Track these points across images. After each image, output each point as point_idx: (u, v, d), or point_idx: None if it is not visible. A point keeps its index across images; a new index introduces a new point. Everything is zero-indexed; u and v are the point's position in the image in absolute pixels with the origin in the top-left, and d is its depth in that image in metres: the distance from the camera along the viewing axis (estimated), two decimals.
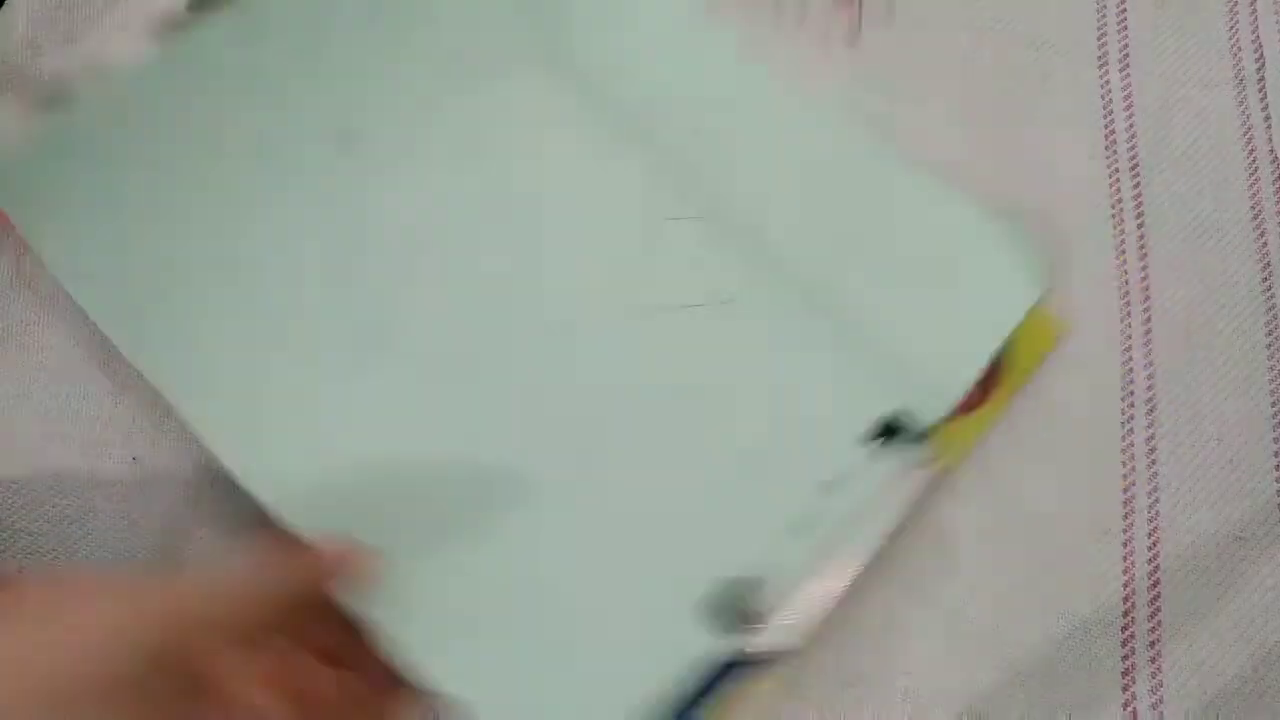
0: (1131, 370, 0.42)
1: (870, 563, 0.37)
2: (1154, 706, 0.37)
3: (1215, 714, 0.37)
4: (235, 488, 0.36)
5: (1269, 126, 0.45)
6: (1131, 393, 0.41)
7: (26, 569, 0.37)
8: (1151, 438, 0.41)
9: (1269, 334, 0.42)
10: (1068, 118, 0.45)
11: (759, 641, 0.36)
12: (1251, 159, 0.45)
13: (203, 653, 0.28)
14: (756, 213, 0.42)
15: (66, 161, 0.40)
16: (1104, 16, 0.47)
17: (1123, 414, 0.41)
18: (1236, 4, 0.47)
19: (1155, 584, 0.39)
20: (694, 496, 0.38)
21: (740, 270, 0.41)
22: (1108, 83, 0.46)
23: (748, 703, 0.35)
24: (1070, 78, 0.46)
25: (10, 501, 0.38)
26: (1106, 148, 0.45)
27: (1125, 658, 0.38)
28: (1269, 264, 0.43)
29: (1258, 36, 0.47)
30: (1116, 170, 0.45)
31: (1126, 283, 0.43)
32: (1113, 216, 0.44)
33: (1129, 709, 0.37)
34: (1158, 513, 0.40)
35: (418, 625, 0.34)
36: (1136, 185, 0.44)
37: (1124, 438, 0.41)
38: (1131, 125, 0.45)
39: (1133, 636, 0.38)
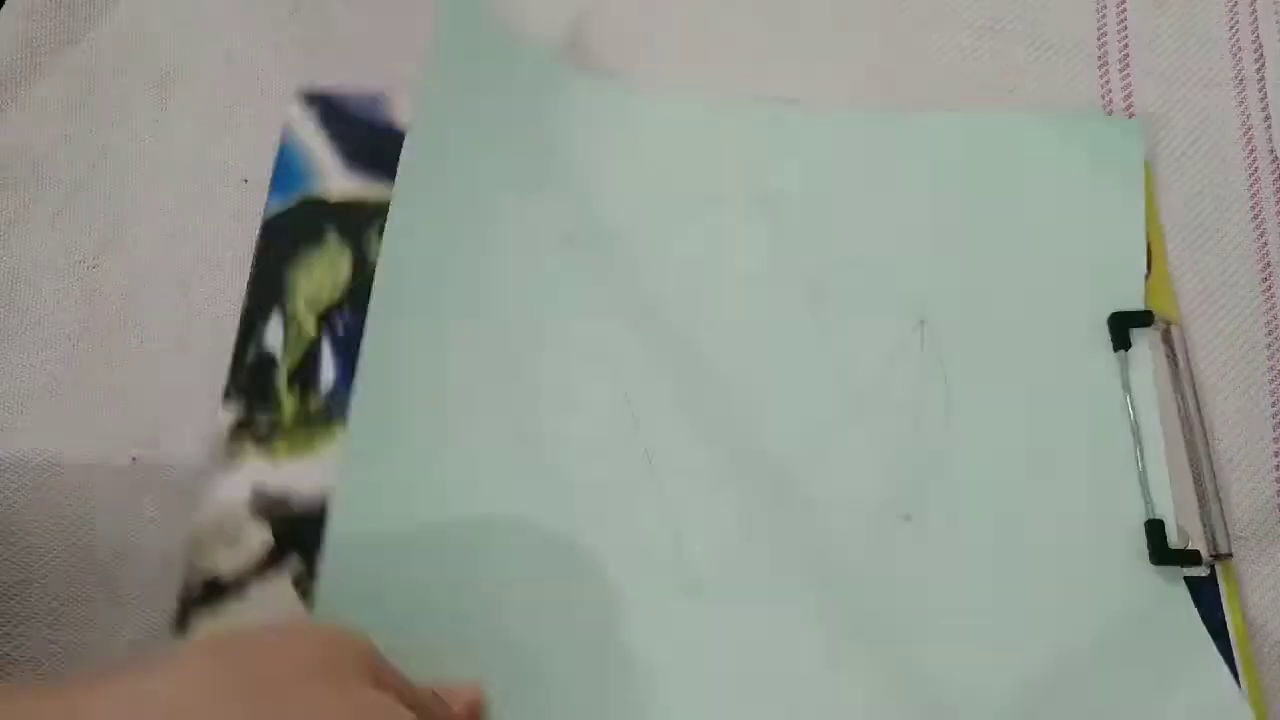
0: None
1: None
2: None
3: None
4: None
5: (1269, 126, 0.45)
6: None
7: None
8: None
9: (1269, 334, 0.42)
10: None
11: None
12: (1251, 159, 0.45)
13: None
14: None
15: None
16: (1104, 16, 0.47)
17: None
18: (1236, 4, 0.47)
19: None
20: None
21: None
22: (1108, 83, 0.46)
23: None
24: (1070, 78, 0.46)
25: None
26: None
27: None
28: (1269, 264, 0.43)
29: (1258, 36, 0.47)
30: None
31: None
32: None
33: None
34: None
35: None
36: None
37: None
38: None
39: None
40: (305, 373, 0.40)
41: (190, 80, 0.45)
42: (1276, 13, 0.47)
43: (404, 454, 0.39)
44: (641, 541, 0.38)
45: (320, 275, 0.41)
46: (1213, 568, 0.39)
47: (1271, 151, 0.45)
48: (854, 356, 0.41)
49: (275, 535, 0.38)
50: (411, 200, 0.42)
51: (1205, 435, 0.40)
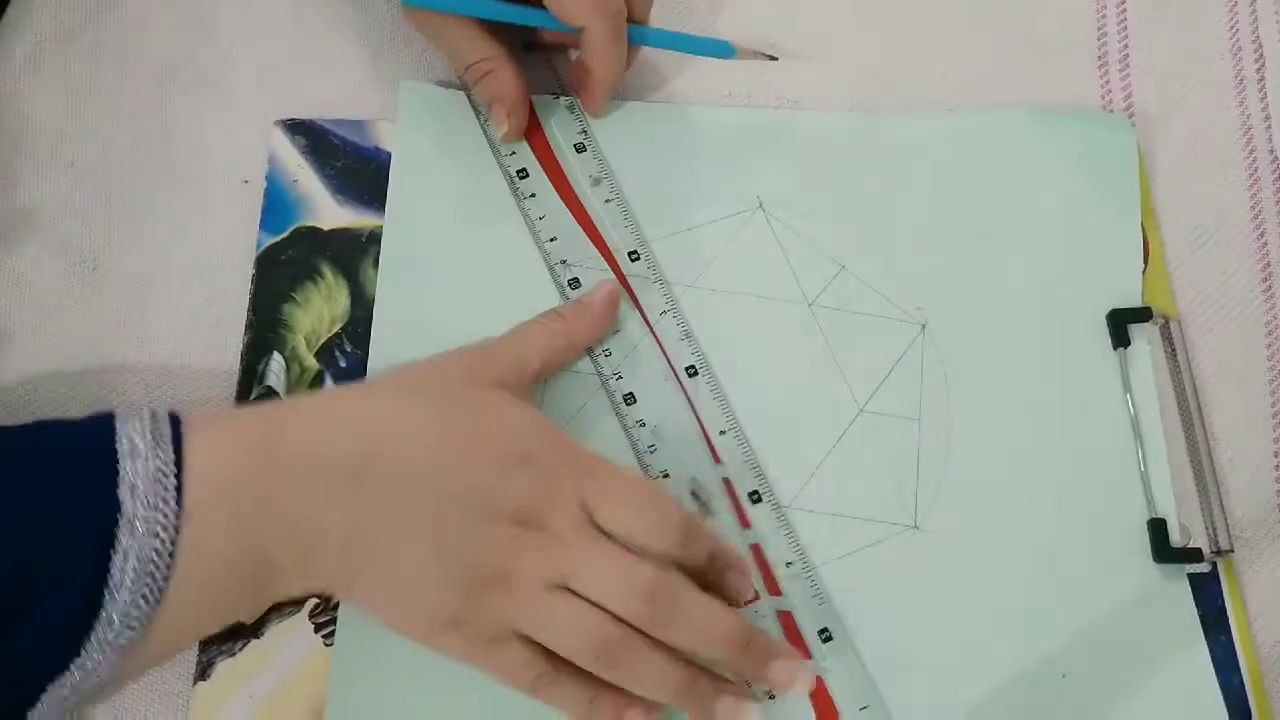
0: None
1: None
2: None
3: None
4: None
5: (1269, 127, 0.45)
6: None
7: None
8: None
9: (1269, 334, 0.42)
10: None
11: None
12: (1251, 159, 0.45)
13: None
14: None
15: None
16: (1104, 16, 0.47)
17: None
18: (1236, 4, 0.47)
19: None
20: None
21: None
22: (1108, 83, 0.46)
23: None
24: (1070, 77, 0.46)
25: None
26: None
27: None
28: (1269, 264, 0.43)
29: (1258, 36, 0.47)
30: None
31: None
32: None
33: None
34: None
35: None
36: None
37: None
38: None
39: None
40: None
41: (190, 80, 0.45)
42: (1276, 13, 0.47)
43: None
44: None
45: (319, 307, 0.41)
46: (1214, 564, 0.39)
47: (1271, 151, 0.45)
48: (854, 357, 0.41)
49: None
50: (403, 231, 0.42)
51: (1205, 431, 0.40)
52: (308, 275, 0.42)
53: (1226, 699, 0.37)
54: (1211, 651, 0.38)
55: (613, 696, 0.34)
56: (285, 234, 0.42)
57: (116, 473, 0.31)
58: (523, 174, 0.43)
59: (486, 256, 0.42)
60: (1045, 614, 0.38)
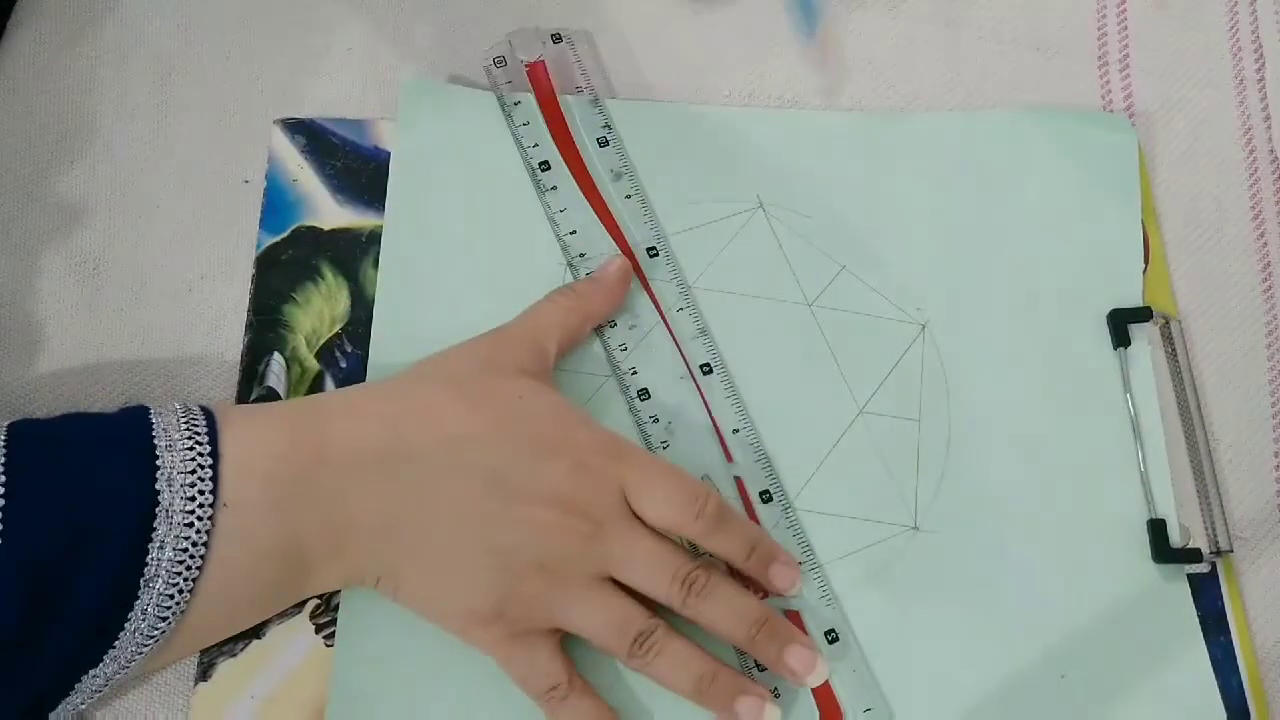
0: None
1: None
2: None
3: None
4: None
5: (1269, 126, 0.45)
6: None
7: None
8: None
9: (1269, 334, 0.42)
10: None
11: None
12: (1251, 159, 0.45)
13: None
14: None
15: None
16: (1104, 17, 0.47)
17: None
18: (1236, 4, 0.47)
19: None
20: None
21: None
22: (1108, 83, 0.46)
23: None
24: (1070, 78, 0.46)
25: None
26: None
27: None
28: (1269, 264, 0.43)
29: (1258, 36, 0.47)
30: None
31: None
32: None
33: None
34: None
35: None
36: None
37: None
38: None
39: None
40: None
41: (190, 80, 0.45)
42: (1276, 13, 0.47)
43: None
44: None
45: (319, 307, 0.41)
46: (1214, 564, 0.39)
47: (1271, 151, 0.45)
48: (854, 357, 0.41)
49: None
50: (403, 231, 0.42)
51: (1205, 431, 0.40)
52: (308, 275, 0.42)
53: (1225, 699, 0.37)
54: (1210, 652, 0.38)
55: None
56: (285, 234, 0.42)
57: (155, 465, 0.32)
58: (544, 166, 0.43)
59: (487, 255, 0.42)
60: (1045, 614, 0.38)
